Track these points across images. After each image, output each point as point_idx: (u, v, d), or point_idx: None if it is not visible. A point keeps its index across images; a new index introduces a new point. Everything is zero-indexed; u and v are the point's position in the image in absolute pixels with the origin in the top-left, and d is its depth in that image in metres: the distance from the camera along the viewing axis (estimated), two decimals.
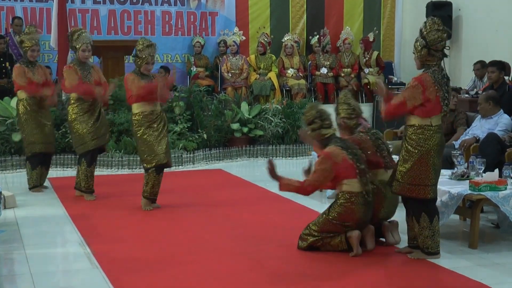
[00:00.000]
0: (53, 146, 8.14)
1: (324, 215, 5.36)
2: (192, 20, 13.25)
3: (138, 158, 9.09)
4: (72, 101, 7.44)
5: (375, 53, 13.82)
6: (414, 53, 5.19)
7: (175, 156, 9.52)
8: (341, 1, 14.24)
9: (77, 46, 7.43)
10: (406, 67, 14.28)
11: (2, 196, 6.01)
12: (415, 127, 5.09)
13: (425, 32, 5.11)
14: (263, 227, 6.14)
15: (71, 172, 9.01)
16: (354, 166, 5.29)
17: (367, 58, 13.73)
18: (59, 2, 10.78)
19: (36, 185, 7.98)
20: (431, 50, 5.09)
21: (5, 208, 6.82)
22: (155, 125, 6.90)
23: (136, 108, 6.90)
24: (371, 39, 13.93)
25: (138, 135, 6.92)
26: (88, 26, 12.45)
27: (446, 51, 5.17)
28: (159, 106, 7.01)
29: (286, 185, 5.33)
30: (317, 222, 5.40)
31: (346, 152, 5.30)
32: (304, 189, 5.32)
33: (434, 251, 5.21)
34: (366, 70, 13.63)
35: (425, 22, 5.17)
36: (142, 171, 9.22)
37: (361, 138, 5.63)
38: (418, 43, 5.13)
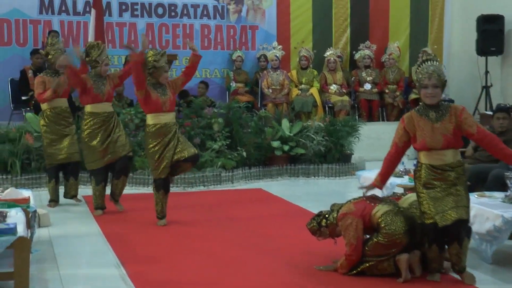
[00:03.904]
0: (77, 155, 8.24)
1: (373, 239, 5.31)
2: (231, 33, 13.33)
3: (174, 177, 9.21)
4: (86, 116, 7.65)
5: None
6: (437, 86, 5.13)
7: (213, 174, 9.57)
8: (387, 14, 14.22)
9: (101, 60, 7.65)
10: (455, 83, 14.13)
11: (36, 214, 6.06)
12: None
13: None
14: (305, 249, 6.08)
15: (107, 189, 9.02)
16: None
17: None
18: (97, 15, 10.95)
19: (52, 199, 8.21)
20: None
21: (39, 226, 6.89)
22: (167, 139, 7.04)
23: (150, 119, 7.06)
24: (429, 52, 13.76)
25: (149, 149, 7.08)
26: (126, 40, 12.61)
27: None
28: (173, 117, 7.15)
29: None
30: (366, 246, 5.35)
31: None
32: (349, 256, 5.37)
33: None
34: None
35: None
36: (178, 189, 9.23)
37: None
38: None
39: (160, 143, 7.00)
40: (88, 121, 7.62)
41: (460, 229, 5.07)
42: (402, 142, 5.22)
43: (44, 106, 8.07)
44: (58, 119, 8.07)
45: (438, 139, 5.06)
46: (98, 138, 7.58)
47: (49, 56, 8.01)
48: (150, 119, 7.06)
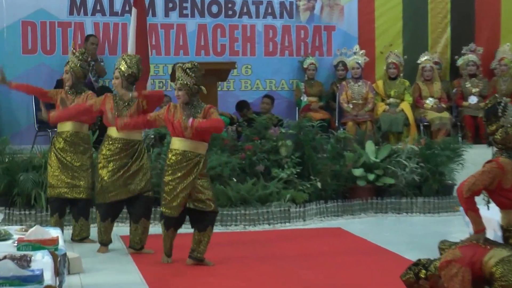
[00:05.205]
0: (82, 191, 8.31)
1: None
2: (302, 36, 13.39)
3: (232, 213, 9.32)
4: (105, 139, 7.91)
5: None
6: None
7: (280, 210, 9.56)
8: (497, 10, 14.15)
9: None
10: None
11: (66, 258, 6.03)
12: None
13: None
14: None
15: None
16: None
17: None
18: (138, 16, 11.08)
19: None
20: None
21: (69, 273, 6.88)
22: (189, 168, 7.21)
23: (171, 143, 7.35)
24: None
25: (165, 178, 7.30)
26: (173, 45, 12.79)
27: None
28: (197, 148, 7.18)
29: None
30: None
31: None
32: None
33: None
34: None
35: None
36: (238, 228, 9.19)
37: None
38: None
39: (178, 177, 7.16)
40: (106, 144, 7.85)
41: None
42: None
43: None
44: (66, 144, 8.24)
45: None
46: (110, 168, 7.76)
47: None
48: (171, 143, 7.35)
